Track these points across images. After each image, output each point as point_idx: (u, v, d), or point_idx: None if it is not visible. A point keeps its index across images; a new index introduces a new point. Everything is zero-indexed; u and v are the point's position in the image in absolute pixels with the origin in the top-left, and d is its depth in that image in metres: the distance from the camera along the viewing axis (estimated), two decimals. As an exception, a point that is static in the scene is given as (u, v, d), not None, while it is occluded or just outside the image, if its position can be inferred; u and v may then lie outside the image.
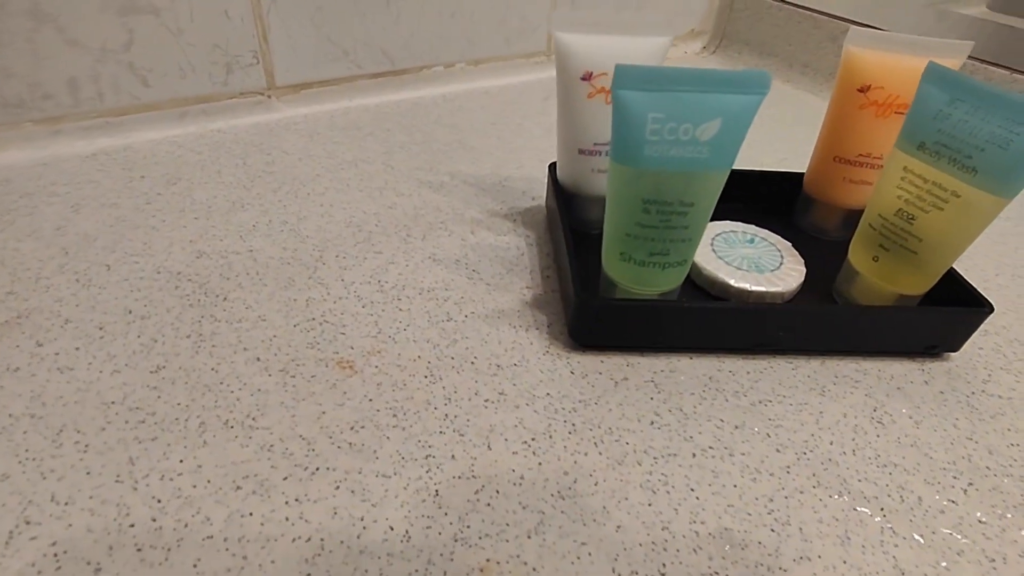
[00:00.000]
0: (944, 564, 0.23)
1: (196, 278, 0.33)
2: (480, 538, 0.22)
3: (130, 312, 0.30)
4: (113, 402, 0.26)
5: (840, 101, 0.36)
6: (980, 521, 0.24)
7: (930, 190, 0.28)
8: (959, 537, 0.24)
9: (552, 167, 0.38)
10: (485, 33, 0.57)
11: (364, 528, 0.22)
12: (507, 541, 0.22)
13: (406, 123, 0.51)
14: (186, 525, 0.22)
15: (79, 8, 0.39)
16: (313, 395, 0.27)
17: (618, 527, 0.23)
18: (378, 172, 0.44)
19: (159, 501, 0.22)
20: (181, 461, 0.24)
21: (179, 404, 0.26)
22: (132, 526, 0.22)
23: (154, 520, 0.22)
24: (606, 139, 0.33)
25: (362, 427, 0.26)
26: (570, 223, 0.34)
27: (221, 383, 0.27)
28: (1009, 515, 0.25)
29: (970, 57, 0.56)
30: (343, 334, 0.30)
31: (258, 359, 0.28)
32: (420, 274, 0.34)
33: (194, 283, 0.32)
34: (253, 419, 0.26)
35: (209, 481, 0.23)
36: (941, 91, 0.28)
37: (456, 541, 0.22)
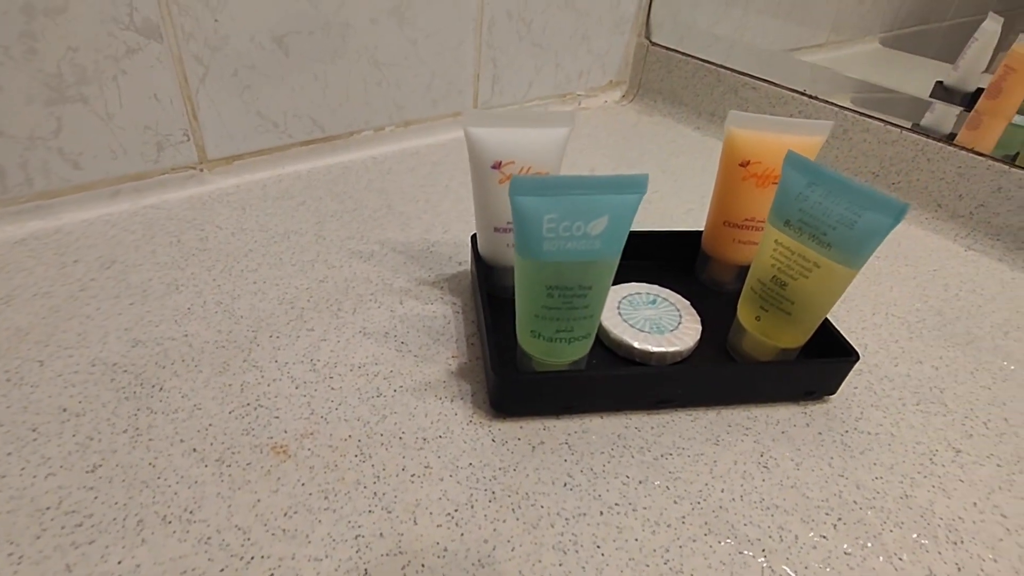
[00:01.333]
0: (815, 595, 0.26)
1: (132, 368, 0.34)
2: (406, 613, 0.24)
3: (65, 410, 0.31)
4: (48, 507, 0.27)
5: (725, 174, 0.40)
6: (846, 553, 0.28)
7: (796, 260, 0.33)
8: (827, 570, 0.27)
9: (474, 238, 0.41)
10: (412, 97, 0.61)
11: (298, 614, 0.24)
12: (431, 614, 0.24)
13: (337, 189, 0.53)
14: (126, 627, 0.23)
15: (4, 102, 0.40)
16: (248, 483, 0.28)
17: (532, 590, 0.25)
18: (309, 244, 0.46)
19: (98, 605, 0.24)
20: (119, 563, 0.25)
21: (116, 503, 0.27)
22: (72, 634, 0.23)
23: (94, 625, 0.23)
24: (518, 219, 0.36)
25: (295, 512, 0.27)
26: (491, 291, 0.37)
27: (158, 478, 0.28)
28: (870, 544, 0.29)
29: (850, 109, 0.63)
30: (277, 418, 0.32)
31: (194, 450, 0.30)
32: (351, 350, 0.37)
33: (130, 374, 0.34)
34: (191, 512, 0.27)
35: (147, 580, 0.25)
36: (800, 175, 0.33)
37: (384, 618, 0.24)
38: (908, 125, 0.61)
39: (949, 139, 0.59)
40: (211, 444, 0.30)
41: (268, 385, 0.34)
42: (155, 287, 0.40)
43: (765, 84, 0.68)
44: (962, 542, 0.29)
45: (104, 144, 0.45)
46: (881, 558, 0.28)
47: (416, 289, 0.42)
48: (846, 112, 0.63)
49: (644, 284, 0.40)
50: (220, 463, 0.29)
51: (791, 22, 0.91)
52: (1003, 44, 0.68)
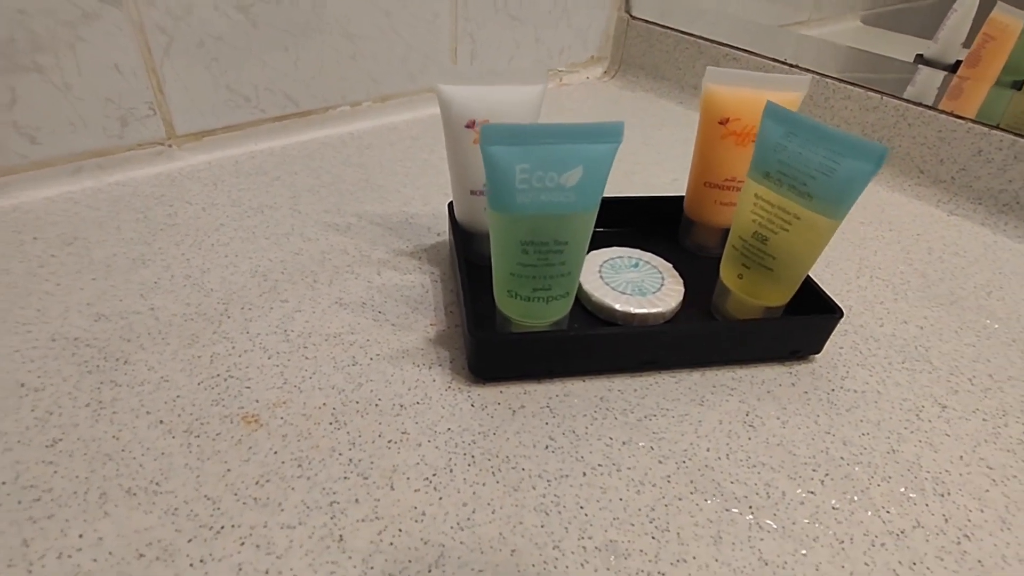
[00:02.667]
0: (803, 551, 0.26)
1: (95, 343, 0.33)
2: (397, 573, 0.23)
3: (23, 385, 0.30)
4: (4, 483, 0.26)
5: (705, 133, 0.39)
6: (833, 507, 0.28)
7: (777, 214, 0.32)
8: (815, 525, 0.27)
9: (451, 206, 0.40)
10: (389, 71, 0.59)
11: (268, 582, 0.23)
12: (410, 572, 0.23)
13: (314, 165, 0.52)
14: (86, 601, 0.22)
15: (-47, 71, 0.38)
16: (218, 453, 0.27)
17: (513, 551, 0.24)
18: (284, 218, 0.45)
19: (55, 579, 0.22)
20: (80, 536, 0.24)
21: (77, 477, 0.26)
22: (28, 609, 0.22)
23: (51, 600, 0.22)
24: (494, 181, 0.35)
25: (267, 481, 0.26)
26: (469, 258, 0.36)
27: (123, 450, 0.27)
28: (856, 498, 0.28)
29: (831, 77, 0.62)
30: (248, 388, 0.31)
31: (161, 422, 0.29)
32: (326, 320, 0.35)
33: (93, 348, 0.32)
34: (157, 484, 0.26)
35: (111, 553, 0.23)
36: (778, 126, 0.32)
37: (359, 583, 0.23)
38: (883, 89, 0.60)
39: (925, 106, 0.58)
40: (179, 416, 0.29)
41: (239, 356, 0.32)
42: (120, 262, 0.39)
43: (747, 55, 0.68)
44: (949, 494, 0.29)
45: (63, 117, 0.43)
46: (869, 512, 0.28)
47: (394, 260, 0.41)
48: (827, 79, 0.62)
49: (627, 248, 0.39)
50: (188, 434, 0.28)
51: (778, 3, 0.90)
52: (980, 17, 0.68)
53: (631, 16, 0.76)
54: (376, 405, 0.30)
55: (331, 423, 0.29)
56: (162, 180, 0.48)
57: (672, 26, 0.74)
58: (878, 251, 0.48)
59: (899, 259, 0.47)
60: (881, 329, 0.39)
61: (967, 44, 0.69)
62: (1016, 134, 0.52)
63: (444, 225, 0.45)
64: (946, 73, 0.67)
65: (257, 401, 0.30)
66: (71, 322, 0.34)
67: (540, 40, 0.70)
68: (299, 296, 0.37)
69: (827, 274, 0.44)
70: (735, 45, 0.69)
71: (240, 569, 0.23)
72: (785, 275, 0.33)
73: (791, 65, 0.65)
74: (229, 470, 0.27)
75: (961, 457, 0.31)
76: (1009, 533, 0.27)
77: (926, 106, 0.57)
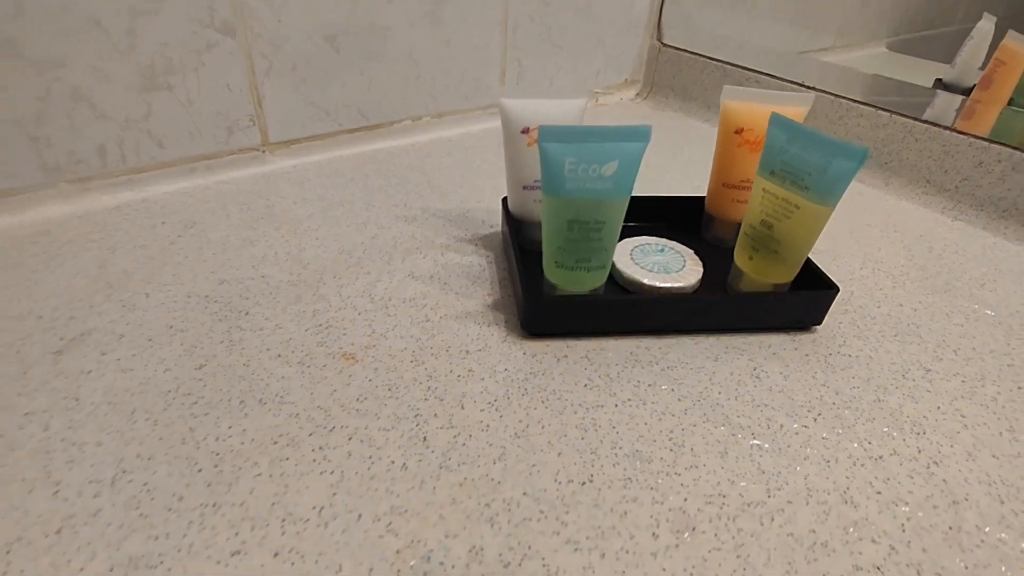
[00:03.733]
0: (797, 467, 0.32)
1: (221, 299, 0.41)
2: (459, 465, 0.30)
3: (171, 327, 0.38)
4: (169, 391, 0.33)
5: (723, 141, 0.46)
6: (823, 438, 0.33)
7: (780, 204, 0.39)
8: (806, 449, 0.33)
9: (504, 200, 0.47)
10: (446, 91, 0.68)
11: (372, 463, 0.30)
12: (479, 467, 0.30)
13: (382, 169, 0.60)
14: (239, 468, 0.29)
15: (109, 88, 0.48)
16: (326, 379, 0.35)
17: (559, 454, 0.31)
18: (361, 210, 0.53)
19: (217, 454, 0.30)
20: (229, 427, 0.31)
21: (221, 390, 0.34)
22: (200, 471, 0.29)
23: (216, 466, 0.29)
24: (543, 176, 0.43)
25: (365, 399, 0.34)
26: (520, 243, 0.43)
27: (252, 374, 0.35)
28: (842, 431, 0.34)
29: (844, 97, 0.68)
30: (344, 334, 0.38)
31: (279, 355, 0.36)
32: (402, 288, 0.43)
33: (219, 303, 0.40)
34: (280, 397, 0.33)
35: (253, 439, 0.31)
36: (781, 133, 0.39)
37: (441, 468, 0.30)
38: (897, 110, 0.66)
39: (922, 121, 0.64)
40: (292, 352, 0.37)
41: (335, 312, 0.40)
42: (232, 242, 0.47)
43: (768, 78, 0.74)
44: (924, 433, 0.34)
45: (184, 127, 0.53)
46: (854, 443, 0.33)
47: (455, 245, 0.48)
48: (841, 100, 0.68)
49: (655, 237, 0.46)
50: (301, 365, 0.36)
51: (796, 26, 0.97)
52: (996, 43, 0.73)
53: (662, 43, 0.84)
54: (447, 350, 0.37)
55: (411, 361, 0.36)
56: (258, 179, 0.57)
57: (699, 52, 0.81)
58: (882, 248, 0.53)
59: (901, 255, 0.52)
60: (878, 309, 0.45)
61: (983, 68, 0.74)
62: (1013, 147, 0.57)
63: (496, 219, 0.52)
64: (963, 97, 0.72)
65: (352, 344, 0.37)
66: (200, 285, 0.42)
67: (578, 65, 0.78)
68: (378, 270, 0.45)
69: (834, 266, 0.50)
70: (758, 69, 0.76)
71: (350, 455, 0.30)
72: (788, 256, 0.39)
73: (809, 87, 0.72)
74: (335, 390, 0.34)
75: (938, 408, 0.36)
76: (973, 463, 0.32)
77: (931, 123, 0.63)
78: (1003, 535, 0.29)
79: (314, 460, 0.30)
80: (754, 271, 0.41)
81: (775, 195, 0.39)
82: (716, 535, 0.28)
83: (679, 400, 0.35)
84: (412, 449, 0.31)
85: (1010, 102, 0.69)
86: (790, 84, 0.73)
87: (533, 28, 0.71)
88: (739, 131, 0.45)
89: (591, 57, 0.79)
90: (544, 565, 0.26)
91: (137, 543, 0.26)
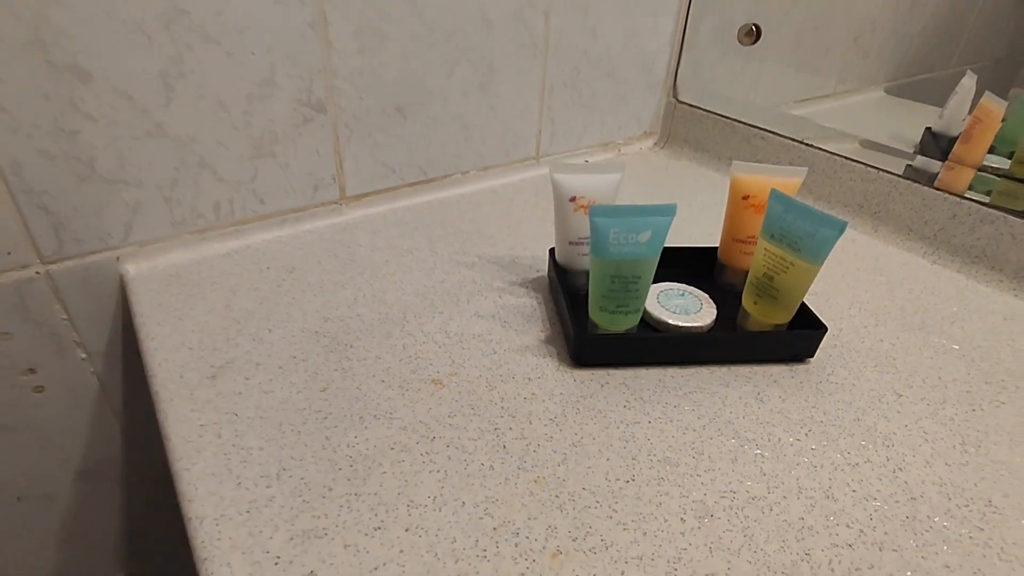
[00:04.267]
0: (791, 471, 0.41)
1: (328, 334, 0.51)
2: (532, 467, 0.40)
3: (294, 357, 0.48)
4: (303, 408, 0.43)
5: (732, 204, 0.56)
6: (812, 448, 0.43)
7: (779, 261, 0.48)
8: (799, 457, 0.42)
9: (551, 251, 0.57)
10: (490, 148, 0.78)
11: (467, 464, 0.40)
12: (547, 468, 0.40)
13: (439, 219, 0.71)
14: (369, 468, 0.39)
15: (228, 157, 0.59)
16: (423, 399, 0.45)
17: (607, 459, 0.41)
18: (427, 256, 0.63)
19: (350, 457, 0.40)
20: (355, 436, 0.41)
21: (343, 408, 0.44)
22: (340, 469, 0.39)
23: (351, 466, 0.39)
24: (586, 235, 0.53)
25: (455, 416, 0.43)
26: (566, 288, 0.53)
27: (365, 396, 0.45)
28: (826, 443, 0.43)
29: (839, 156, 0.78)
30: (431, 364, 0.48)
31: (383, 381, 0.46)
32: (471, 325, 0.53)
33: (328, 338, 0.50)
34: (390, 414, 0.43)
35: (375, 446, 0.41)
36: (779, 205, 0.48)
37: (519, 469, 0.39)
38: (882, 167, 0.76)
39: (931, 180, 0.73)
40: (392, 378, 0.46)
41: (420, 345, 0.50)
42: (327, 285, 0.57)
43: (771, 135, 0.85)
44: (892, 445, 0.43)
45: (281, 186, 0.64)
46: (837, 453, 0.42)
47: (509, 288, 0.58)
48: (835, 157, 0.78)
49: (676, 283, 0.56)
50: (400, 388, 0.45)
51: (802, 73, 1.06)
52: (979, 97, 0.83)
53: (678, 100, 0.95)
54: (513, 378, 0.47)
55: (486, 386, 0.46)
56: (336, 229, 0.67)
57: (710, 109, 0.92)
58: (868, 290, 0.63)
59: (885, 296, 0.62)
60: (861, 344, 0.54)
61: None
62: (980, 203, 0.67)
63: (541, 264, 0.62)
64: (941, 163, 0.81)
65: (438, 372, 0.47)
66: (309, 322, 0.52)
67: (603, 121, 0.89)
68: (449, 310, 0.55)
69: (826, 306, 0.59)
70: (762, 127, 0.86)
71: (449, 458, 0.40)
72: (786, 302, 0.49)
73: (807, 144, 0.82)
74: (430, 409, 0.44)
75: (906, 425, 0.45)
76: (930, 468, 0.42)
77: (912, 179, 0.72)
78: (947, 523, 0.38)
79: (423, 462, 0.40)
80: (758, 313, 0.51)
81: (774, 254, 0.48)
82: (728, 520, 0.37)
83: (699, 418, 0.45)
84: (496, 454, 0.40)
85: (991, 150, 0.78)
86: (791, 141, 0.83)
87: (565, 92, 0.81)
88: (746, 197, 0.55)
89: (615, 113, 0.90)
90: (602, 540, 0.35)
91: (305, 520, 0.36)
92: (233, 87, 0.56)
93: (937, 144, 0.84)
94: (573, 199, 0.52)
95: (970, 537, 0.37)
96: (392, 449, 0.40)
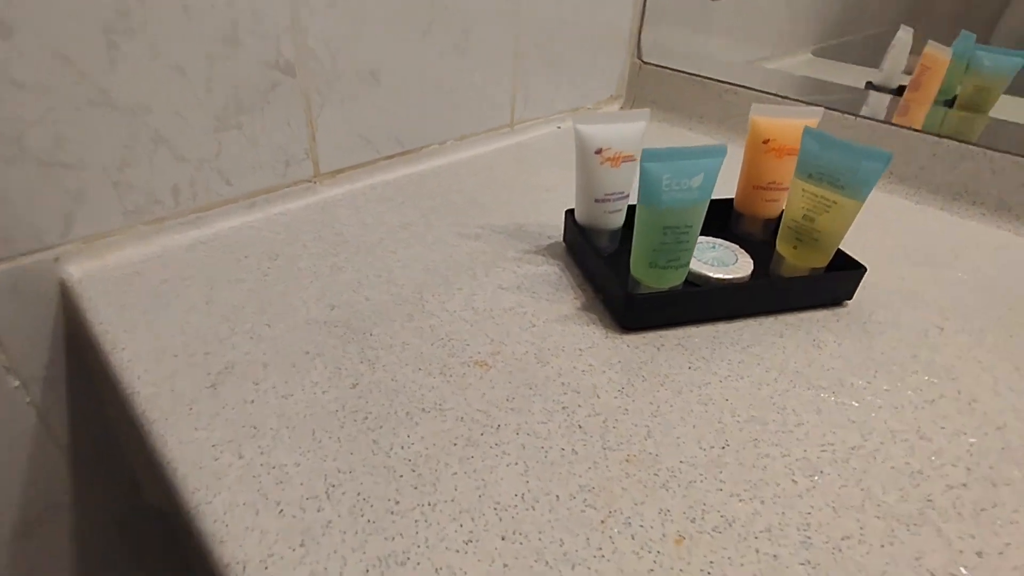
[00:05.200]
0: (877, 416, 0.39)
1: (340, 323, 0.44)
2: (618, 445, 0.35)
3: (307, 352, 0.41)
4: (336, 410, 0.37)
5: (752, 150, 0.54)
6: (885, 389, 0.41)
7: (820, 201, 0.46)
8: (877, 399, 0.40)
9: (569, 213, 0.53)
10: (466, 115, 0.72)
11: (546, 452, 0.35)
12: (635, 444, 0.35)
13: (425, 191, 0.64)
14: (436, 471, 0.33)
15: (187, 130, 0.49)
16: (471, 385, 0.39)
17: (693, 426, 0.37)
18: (425, 231, 0.57)
19: (409, 460, 0.34)
20: (408, 436, 0.35)
21: (383, 404, 0.37)
22: (401, 477, 0.33)
23: (414, 471, 0.33)
24: (613, 191, 0.49)
25: (514, 398, 0.38)
26: (594, 250, 0.49)
27: (404, 388, 0.38)
28: (896, 383, 0.42)
29: (816, 104, 0.79)
30: (468, 344, 0.42)
31: (420, 368, 0.40)
32: (497, 299, 0.47)
33: (340, 327, 0.43)
34: (439, 405, 0.37)
35: (434, 444, 0.35)
36: (815, 142, 0.46)
37: (604, 449, 0.35)
38: (862, 114, 0.77)
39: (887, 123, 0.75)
40: (429, 364, 0.40)
41: (449, 326, 0.44)
42: (322, 270, 0.50)
43: (743, 89, 0.84)
44: (956, 378, 0.43)
45: (249, 163, 0.55)
46: (909, 391, 0.41)
47: (525, 257, 0.53)
48: (812, 107, 0.78)
49: (704, 237, 0.53)
50: (443, 375, 0.40)
51: (742, 40, 1.08)
52: (915, 49, 0.86)
53: (643, 61, 0.92)
54: (563, 350, 0.42)
55: (537, 362, 0.41)
56: (313, 209, 0.59)
57: (673, 67, 0.90)
58: (867, 234, 0.62)
59: (884, 238, 0.62)
60: (886, 284, 0.53)
61: (907, 71, 0.87)
62: (961, 141, 0.69)
63: (552, 231, 0.58)
64: (892, 96, 0.85)
65: (479, 352, 0.42)
66: (313, 311, 0.45)
67: (573, 85, 0.85)
68: (469, 284, 0.49)
69: (861, 257, 0.58)
70: (722, 80, 0.85)
71: (524, 447, 0.35)
72: (827, 244, 0.47)
73: (781, 96, 0.81)
74: (484, 394, 0.38)
75: (960, 357, 0.45)
76: (1000, 397, 0.41)
77: (890, 123, 0.74)
78: (1038, 447, 0.37)
79: (496, 455, 0.34)
80: (797, 259, 0.49)
81: (814, 194, 0.46)
82: (839, 475, 0.34)
83: (767, 371, 0.42)
84: (573, 436, 0.36)
85: (934, 101, 0.81)
86: (763, 93, 0.83)
87: (538, 55, 0.77)
88: (766, 141, 0.53)
89: (583, 77, 0.86)
90: (722, 516, 0.32)
91: (378, 545, 0.29)
92: (191, 46, 0.47)
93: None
94: (599, 151, 0.47)
95: (1059, 458, 0.37)
96: (455, 445, 0.35)
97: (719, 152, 0.41)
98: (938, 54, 0.83)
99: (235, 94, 0.51)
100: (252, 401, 0.37)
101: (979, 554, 0.31)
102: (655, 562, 0.29)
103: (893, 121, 0.76)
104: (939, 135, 0.70)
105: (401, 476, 0.33)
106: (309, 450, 0.34)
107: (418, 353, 0.41)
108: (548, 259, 0.53)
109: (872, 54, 0.93)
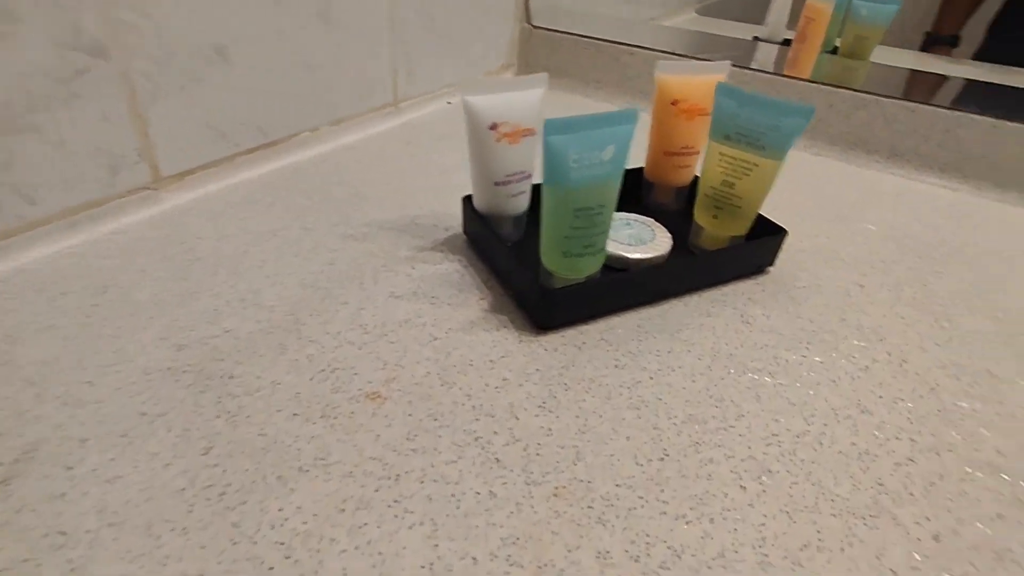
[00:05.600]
0: (816, 393, 0.36)
1: (190, 368, 0.35)
2: (543, 476, 0.29)
3: (144, 414, 0.32)
4: (183, 488, 0.28)
5: (660, 113, 0.49)
6: (819, 362, 0.38)
7: (739, 165, 0.42)
8: (812, 375, 0.37)
9: (467, 200, 0.46)
10: (340, 95, 0.63)
11: (458, 501, 0.28)
12: (563, 472, 0.30)
13: (298, 188, 0.55)
14: (318, 551, 0.26)
15: (-50, 138, 0.38)
16: (361, 426, 0.32)
17: (627, 438, 0.32)
18: (300, 236, 0.48)
19: (282, 543, 0.26)
20: (280, 509, 0.28)
21: (247, 470, 0.29)
22: (272, 569, 0.25)
23: (288, 557, 0.26)
24: (514, 171, 0.42)
25: (415, 436, 0.31)
26: (497, 240, 0.43)
27: (275, 443, 0.31)
28: (829, 353, 0.39)
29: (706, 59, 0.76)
30: (356, 374, 0.35)
31: (295, 414, 0.32)
32: (390, 310, 0.40)
33: (191, 372, 0.35)
34: (322, 460, 0.30)
35: (315, 514, 0.27)
36: (731, 101, 0.42)
37: (528, 484, 0.29)
38: (759, 68, 0.75)
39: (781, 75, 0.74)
40: (308, 407, 0.33)
41: (332, 352, 0.36)
42: (167, 299, 0.40)
43: (639, 49, 0.80)
44: (884, 338, 0.40)
45: (58, 174, 0.43)
46: (844, 361, 0.38)
47: (420, 255, 0.46)
48: (720, 62, 0.75)
49: (616, 213, 0.48)
50: (326, 419, 0.32)
51: (632, 1, 1.05)
52: (799, 4, 0.85)
53: (533, 26, 0.86)
54: (471, 364, 0.36)
55: (441, 384, 0.35)
56: (157, 223, 0.49)
57: (564, 30, 0.84)
58: (774, 192, 0.60)
59: (793, 194, 0.60)
60: (802, 244, 0.51)
61: (790, 25, 0.87)
62: (856, 90, 0.68)
63: (450, 221, 0.51)
64: (779, 47, 0.85)
65: (370, 382, 0.34)
66: (154, 356, 0.36)
67: (461, 55, 0.77)
68: (356, 297, 0.41)
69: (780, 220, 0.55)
70: (615, 40, 0.81)
71: (430, 499, 0.28)
72: (749, 210, 0.43)
73: (679, 55, 0.78)
74: (378, 436, 0.31)
75: (884, 316, 0.43)
76: (927, 354, 0.39)
77: (784, 75, 0.72)
78: (966, 404, 0.35)
79: (396, 516, 0.27)
80: (718, 228, 0.45)
81: (732, 157, 0.42)
82: (788, 472, 0.31)
83: (699, 359, 0.38)
84: (490, 473, 0.30)
85: (820, 51, 0.82)
86: (662, 53, 0.79)
87: (419, 23, 0.68)
88: (675, 102, 0.48)
89: (471, 46, 0.78)
90: (669, 548, 0.27)
91: (242, 669, 0.22)
92: (-71, 20, 0.35)
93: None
94: (494, 127, 0.41)
95: (997, 414, 0.35)
96: (343, 511, 0.28)
97: (630, 117, 0.36)
98: (821, 5, 0.82)
99: (23, 86, 0.40)
100: (62, 495, 0.28)
101: (936, 538, 0.28)
102: (601, 628, 0.24)
103: (785, 73, 0.74)
104: (835, 85, 0.69)
105: (272, 568, 0.25)
106: (143, 553, 0.25)
107: (293, 394, 0.33)
108: (448, 255, 0.46)
109: (752, 10, 0.93)
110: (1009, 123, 0.61)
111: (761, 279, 0.46)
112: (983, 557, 0.27)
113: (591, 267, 0.39)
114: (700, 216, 0.45)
